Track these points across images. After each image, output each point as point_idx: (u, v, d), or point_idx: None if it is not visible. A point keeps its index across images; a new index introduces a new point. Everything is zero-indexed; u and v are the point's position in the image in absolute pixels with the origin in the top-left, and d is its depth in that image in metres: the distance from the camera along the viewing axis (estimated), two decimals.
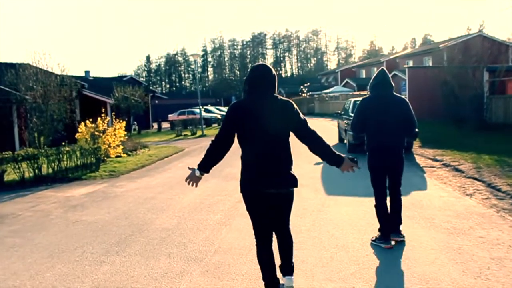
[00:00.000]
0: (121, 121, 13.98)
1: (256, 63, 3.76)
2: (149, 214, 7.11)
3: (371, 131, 5.18)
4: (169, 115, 42.84)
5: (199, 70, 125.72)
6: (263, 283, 3.78)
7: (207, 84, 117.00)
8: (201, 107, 27.06)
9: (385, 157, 5.14)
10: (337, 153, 3.72)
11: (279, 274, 3.80)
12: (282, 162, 3.57)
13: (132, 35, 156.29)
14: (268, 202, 3.58)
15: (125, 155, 13.96)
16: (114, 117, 15.06)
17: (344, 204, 7.30)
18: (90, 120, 13.76)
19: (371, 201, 5.55)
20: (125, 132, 14.18)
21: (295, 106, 3.67)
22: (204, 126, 31.30)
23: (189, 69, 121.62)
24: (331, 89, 54.75)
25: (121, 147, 13.95)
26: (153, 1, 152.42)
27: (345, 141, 15.38)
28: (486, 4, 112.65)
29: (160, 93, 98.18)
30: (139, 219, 6.82)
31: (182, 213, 7.05)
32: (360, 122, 5.25)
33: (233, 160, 4.97)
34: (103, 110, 14.55)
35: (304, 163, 11.88)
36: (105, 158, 13.12)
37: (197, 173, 3.69)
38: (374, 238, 5.32)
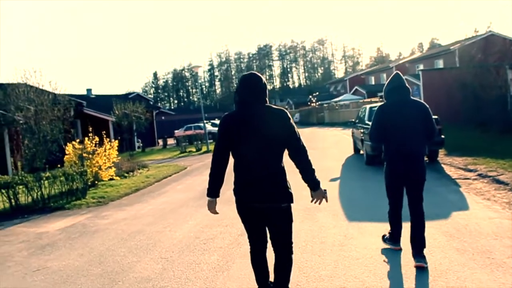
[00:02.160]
0: (113, 140, 12.67)
1: (245, 73, 3.64)
2: (130, 256, 5.73)
3: (389, 139, 4.82)
4: (176, 131, 41.66)
5: (207, 84, 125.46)
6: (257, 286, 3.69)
7: (214, 98, 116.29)
8: (205, 121, 25.76)
9: (404, 165, 4.74)
10: (318, 179, 3.55)
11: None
12: (273, 176, 3.41)
13: (139, 52, 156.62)
14: (258, 216, 3.49)
15: (118, 178, 12.61)
16: (109, 136, 13.75)
17: (370, 233, 5.88)
18: (87, 139, 12.42)
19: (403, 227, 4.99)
20: (117, 153, 12.83)
21: (290, 117, 3.45)
22: (211, 141, 30.01)
23: (197, 84, 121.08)
24: (340, 98, 53.41)
25: (114, 169, 12.62)
26: (158, 17, 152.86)
27: (361, 152, 13.97)
28: (490, 4, 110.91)
29: (168, 109, 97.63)
30: (116, 264, 5.45)
31: (170, 254, 5.66)
32: (378, 132, 4.91)
33: None
34: (104, 132, 13.11)
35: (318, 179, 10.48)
36: (96, 182, 11.81)
37: (210, 200, 3.65)
38: (386, 236, 5.17)
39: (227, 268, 4.97)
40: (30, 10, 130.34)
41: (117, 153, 12.59)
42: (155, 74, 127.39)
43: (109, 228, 7.40)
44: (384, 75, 55.53)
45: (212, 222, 7.22)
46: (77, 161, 11.66)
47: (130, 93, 56.52)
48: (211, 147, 24.04)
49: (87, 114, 28.97)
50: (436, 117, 11.85)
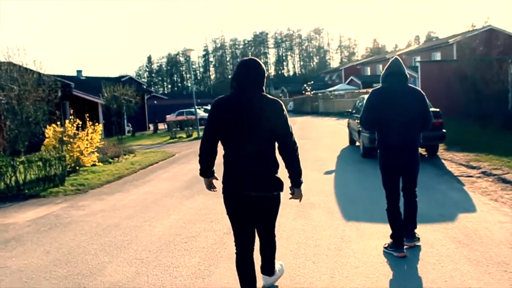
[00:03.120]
0: (100, 123, 11.96)
1: (245, 58, 3.50)
2: (102, 255, 5.11)
3: (383, 127, 4.61)
4: (167, 116, 40.88)
5: (201, 70, 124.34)
6: None
7: (208, 84, 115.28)
8: (197, 106, 25.04)
9: (399, 156, 4.57)
10: (302, 180, 3.46)
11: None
12: (265, 164, 3.30)
13: (134, 36, 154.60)
14: (249, 206, 3.35)
15: (101, 164, 11.91)
16: (98, 119, 13.04)
17: (370, 235, 5.31)
18: (68, 121, 11.68)
19: None
20: (102, 137, 12.14)
21: (285, 109, 3.34)
22: (202, 127, 29.27)
23: (190, 69, 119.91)
24: (335, 87, 52.86)
25: (97, 154, 11.93)
26: (154, 1, 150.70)
27: (357, 143, 13.41)
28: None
29: (162, 93, 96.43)
30: (85, 264, 4.82)
31: (146, 254, 5.05)
32: (370, 117, 4.66)
33: None
34: (87, 115, 12.27)
35: (311, 171, 9.90)
36: (77, 167, 11.13)
37: (206, 180, 3.54)
38: (386, 245, 4.78)
39: (209, 274, 4.36)
40: None
41: (103, 137, 11.92)
42: (149, 58, 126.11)
43: (83, 221, 6.76)
44: (380, 66, 54.93)
45: (196, 216, 6.62)
46: (57, 145, 10.96)
47: (122, 76, 55.50)
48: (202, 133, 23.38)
49: (75, 96, 28.15)
50: (437, 109, 11.31)
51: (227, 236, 5.46)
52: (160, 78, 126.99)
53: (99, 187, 9.63)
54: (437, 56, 39.16)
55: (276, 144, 3.35)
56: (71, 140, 10.92)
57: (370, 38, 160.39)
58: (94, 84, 31.47)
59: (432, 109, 8.68)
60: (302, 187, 3.46)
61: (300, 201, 3.54)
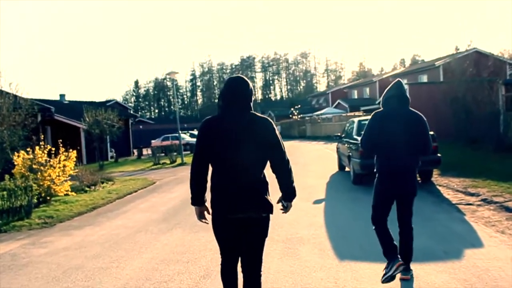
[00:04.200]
0: (71, 150, 11.18)
1: (231, 76, 3.41)
2: None
3: (383, 152, 4.50)
4: (152, 141, 40.04)
5: (188, 94, 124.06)
6: None
7: (196, 108, 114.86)
8: (182, 131, 24.30)
9: (397, 182, 4.46)
10: (295, 192, 3.36)
11: None
12: (254, 184, 3.18)
13: (121, 60, 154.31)
14: (236, 228, 3.22)
15: (73, 193, 11.09)
16: (80, 145, 12.28)
17: (369, 278, 4.63)
18: (38, 148, 10.89)
19: None
20: (78, 164, 11.37)
21: (275, 127, 3.23)
22: (187, 152, 28.48)
23: (178, 93, 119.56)
24: (322, 111, 52.64)
25: (69, 183, 11.11)
26: (140, 24, 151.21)
27: (347, 169, 12.79)
28: (472, 21, 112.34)
29: (149, 118, 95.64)
30: None
31: None
32: (371, 140, 4.56)
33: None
34: (63, 142, 11.48)
35: (299, 200, 9.15)
36: (48, 198, 10.32)
37: (198, 208, 3.35)
38: (383, 273, 4.35)
39: None
40: (8, 10, 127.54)
41: (84, 163, 11.14)
42: (136, 83, 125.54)
43: (42, 262, 5.96)
44: (367, 89, 55.01)
45: (171, 255, 5.87)
46: (26, 173, 10.16)
47: (109, 101, 54.75)
48: (187, 159, 22.63)
49: (57, 121, 27.31)
50: (432, 133, 10.77)
51: (203, 281, 4.73)
52: (147, 103, 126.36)
53: (69, 220, 8.83)
54: (424, 78, 39.19)
55: (268, 163, 3.26)
56: (42, 168, 10.12)
57: (356, 62, 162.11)
58: (78, 108, 30.53)
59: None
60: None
61: (286, 213, 3.47)
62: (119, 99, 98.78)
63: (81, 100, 41.13)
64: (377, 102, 41.57)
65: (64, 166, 10.68)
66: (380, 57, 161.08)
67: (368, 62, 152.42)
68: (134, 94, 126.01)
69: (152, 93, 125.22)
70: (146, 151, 34.73)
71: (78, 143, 29.93)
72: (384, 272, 4.33)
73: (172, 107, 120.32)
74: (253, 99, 3.32)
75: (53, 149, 11.38)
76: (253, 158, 3.15)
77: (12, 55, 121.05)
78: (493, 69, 21.80)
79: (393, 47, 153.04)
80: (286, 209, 3.39)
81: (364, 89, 56.33)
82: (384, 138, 4.45)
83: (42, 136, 11.58)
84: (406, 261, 4.45)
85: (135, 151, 35.18)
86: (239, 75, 3.41)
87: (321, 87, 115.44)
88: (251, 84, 3.31)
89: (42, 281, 5.13)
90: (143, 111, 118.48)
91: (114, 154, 31.66)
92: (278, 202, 3.38)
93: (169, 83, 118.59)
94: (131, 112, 61.73)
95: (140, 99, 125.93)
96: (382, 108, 4.67)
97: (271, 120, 3.25)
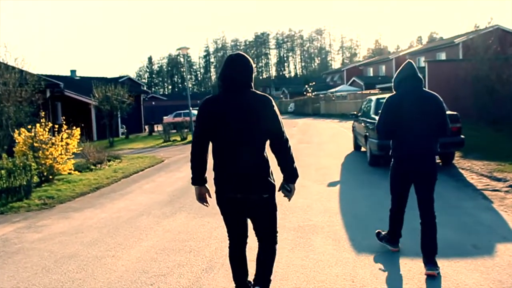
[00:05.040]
0: (74, 127, 10.72)
1: (231, 53, 3.30)
2: None
3: (398, 134, 4.37)
4: (164, 117, 39.67)
5: (202, 71, 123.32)
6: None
7: (209, 85, 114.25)
8: (192, 108, 23.80)
9: (414, 163, 4.31)
10: (297, 172, 3.25)
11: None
12: (255, 164, 3.12)
13: (135, 36, 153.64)
14: (239, 208, 3.21)
15: (76, 172, 10.66)
16: (90, 121, 11.83)
17: (389, 277, 4.11)
18: (39, 125, 10.45)
19: None
20: (82, 141, 10.94)
21: (275, 105, 3.16)
22: None
23: (191, 69, 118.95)
24: (337, 88, 51.79)
25: (73, 161, 10.69)
26: (155, 1, 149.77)
27: (363, 149, 12.22)
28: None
29: (162, 94, 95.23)
30: None
31: None
32: (387, 126, 4.45)
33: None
34: (60, 118, 11.09)
35: (312, 182, 8.73)
36: (50, 177, 9.92)
37: (198, 189, 3.28)
38: (382, 234, 4.84)
39: None
40: None
41: (95, 139, 10.68)
42: (150, 59, 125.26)
43: (35, 248, 5.54)
44: (383, 66, 53.77)
45: (173, 243, 5.42)
46: (28, 152, 9.75)
47: (121, 77, 54.22)
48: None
49: (67, 97, 26.96)
50: (455, 113, 10.06)
51: (205, 275, 4.27)
52: (160, 79, 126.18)
53: (70, 201, 8.41)
54: (442, 56, 38.01)
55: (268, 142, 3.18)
56: (44, 146, 9.69)
57: (372, 39, 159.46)
58: (89, 84, 30.02)
59: (449, 112, 7.53)
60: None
61: (289, 200, 3.37)
62: (133, 75, 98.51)
63: (93, 76, 40.68)
64: (377, 87, 40.59)
65: (67, 144, 10.23)
66: (396, 34, 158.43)
67: (384, 40, 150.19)
68: (148, 70, 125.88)
69: (165, 70, 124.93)
70: (157, 128, 34.35)
71: (88, 119, 29.64)
72: (382, 236, 4.86)
73: (185, 83, 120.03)
74: (253, 76, 3.23)
75: (56, 126, 10.94)
76: (252, 138, 3.10)
77: (24, 30, 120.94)
78: None
79: (410, 24, 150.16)
80: (289, 193, 3.24)
81: (380, 67, 55.08)
82: (400, 122, 4.33)
83: (43, 113, 11.06)
84: (431, 254, 4.13)
85: (147, 128, 34.81)
86: (239, 52, 3.31)
87: (336, 64, 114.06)
88: (251, 61, 3.23)
89: (31, 272, 4.70)
90: (156, 88, 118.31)
91: (125, 131, 31.34)
92: (279, 190, 3.25)
93: (182, 60, 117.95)
94: (144, 88, 61.36)
95: (153, 76, 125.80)
96: (394, 92, 4.54)
97: (271, 98, 3.18)
